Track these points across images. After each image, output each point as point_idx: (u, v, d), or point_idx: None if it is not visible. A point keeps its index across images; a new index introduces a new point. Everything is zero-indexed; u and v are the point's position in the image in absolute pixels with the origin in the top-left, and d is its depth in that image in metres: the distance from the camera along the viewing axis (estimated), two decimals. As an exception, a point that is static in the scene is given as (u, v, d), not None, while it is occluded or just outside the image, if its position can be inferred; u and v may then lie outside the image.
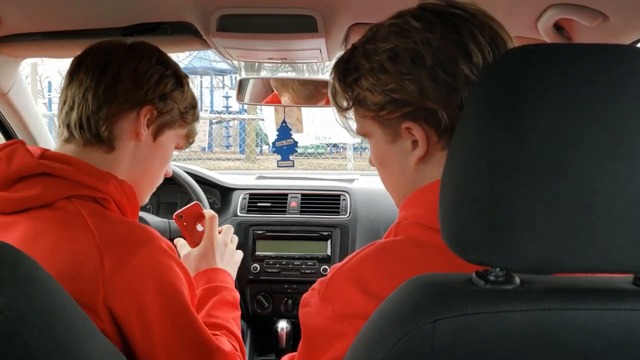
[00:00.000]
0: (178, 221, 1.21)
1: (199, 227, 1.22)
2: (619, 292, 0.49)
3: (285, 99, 1.64)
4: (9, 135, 1.59)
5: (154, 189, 1.04)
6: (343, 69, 0.76)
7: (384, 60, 0.69)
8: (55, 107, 8.31)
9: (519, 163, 0.47)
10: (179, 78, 0.97)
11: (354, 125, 0.80)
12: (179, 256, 1.15)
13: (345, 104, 0.77)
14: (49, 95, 8.78)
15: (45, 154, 0.87)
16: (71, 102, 0.90)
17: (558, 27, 1.04)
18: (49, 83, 8.93)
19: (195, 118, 1.03)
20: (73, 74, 0.91)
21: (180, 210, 1.23)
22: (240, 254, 1.25)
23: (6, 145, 0.86)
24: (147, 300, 0.81)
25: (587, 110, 0.46)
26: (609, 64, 0.48)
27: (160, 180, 1.04)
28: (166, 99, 0.94)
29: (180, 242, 1.20)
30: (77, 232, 0.80)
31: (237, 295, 1.12)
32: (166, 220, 1.57)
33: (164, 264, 0.85)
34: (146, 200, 1.03)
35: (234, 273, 1.19)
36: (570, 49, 0.50)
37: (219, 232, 1.21)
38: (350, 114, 0.79)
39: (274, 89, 1.67)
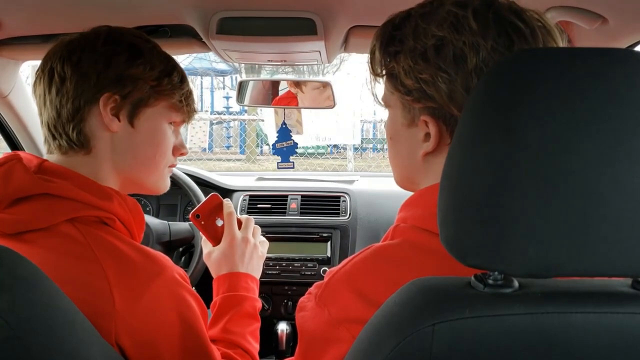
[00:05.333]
0: (195, 221, 1.12)
1: (219, 222, 1.14)
2: (618, 296, 0.49)
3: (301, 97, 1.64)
4: (9, 137, 1.59)
5: (166, 172, 0.95)
6: (390, 34, 0.71)
7: (429, 47, 0.66)
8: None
9: (517, 167, 0.47)
10: (135, 48, 0.86)
11: (380, 92, 0.77)
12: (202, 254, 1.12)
13: (379, 70, 0.74)
14: (50, 96, 8.77)
15: (43, 167, 0.82)
16: (39, 113, 0.88)
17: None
18: (50, 84, 8.93)
19: (176, 86, 0.90)
20: (35, 85, 0.88)
21: (196, 209, 1.14)
22: (265, 245, 1.19)
23: (4, 162, 0.81)
24: (158, 336, 0.79)
25: (585, 114, 0.46)
26: (607, 68, 0.48)
27: (169, 161, 0.95)
28: (123, 78, 0.84)
29: (202, 238, 1.15)
30: (84, 264, 0.75)
31: (259, 303, 1.08)
32: (166, 222, 1.57)
33: (175, 297, 0.82)
34: (167, 186, 0.96)
35: (258, 271, 1.13)
36: (568, 53, 0.50)
37: (239, 225, 1.14)
38: (381, 80, 0.75)
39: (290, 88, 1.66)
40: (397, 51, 0.70)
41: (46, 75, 0.86)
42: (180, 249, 1.65)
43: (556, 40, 0.68)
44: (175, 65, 0.91)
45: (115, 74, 0.84)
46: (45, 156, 0.89)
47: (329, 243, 1.69)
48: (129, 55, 0.85)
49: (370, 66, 0.75)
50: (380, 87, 0.77)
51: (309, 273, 1.65)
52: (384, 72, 0.73)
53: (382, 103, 0.77)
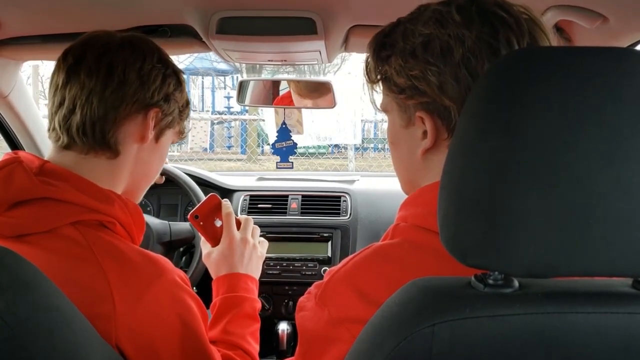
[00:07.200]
0: (194, 222, 1.12)
1: (218, 223, 1.14)
2: (618, 296, 0.49)
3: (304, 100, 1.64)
4: (9, 137, 1.59)
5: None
6: (381, 42, 0.74)
7: (417, 45, 0.69)
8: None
9: (517, 166, 0.47)
10: (178, 76, 0.94)
11: (378, 99, 0.79)
12: (201, 255, 1.14)
13: (374, 76, 0.76)
14: (51, 96, 8.78)
15: (44, 168, 0.81)
16: (71, 104, 0.84)
17: (558, 28, 1.04)
18: (51, 84, 8.92)
19: (189, 114, 1.00)
20: (71, 73, 0.85)
21: (194, 209, 1.14)
22: (265, 245, 1.19)
23: (4, 165, 0.80)
24: (158, 338, 0.79)
25: (584, 113, 0.46)
26: (606, 67, 0.48)
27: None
28: (170, 99, 0.91)
29: (202, 239, 1.15)
30: (84, 266, 0.76)
31: (258, 304, 1.08)
32: (166, 222, 1.57)
33: (175, 300, 0.82)
34: (140, 198, 0.99)
35: (257, 272, 1.13)
36: (567, 52, 0.50)
37: (238, 226, 1.14)
38: (378, 87, 0.78)
39: (293, 91, 1.66)
40: (389, 55, 0.72)
41: (102, 71, 0.84)
42: (181, 249, 1.65)
43: (544, 31, 0.69)
44: (189, 99, 1.00)
45: (166, 93, 0.91)
46: (53, 154, 0.87)
47: (329, 243, 1.68)
48: (175, 80, 0.93)
49: (366, 76, 0.78)
50: (379, 96, 0.79)
51: (310, 273, 1.65)
52: (378, 77, 0.75)
53: (382, 109, 0.78)
